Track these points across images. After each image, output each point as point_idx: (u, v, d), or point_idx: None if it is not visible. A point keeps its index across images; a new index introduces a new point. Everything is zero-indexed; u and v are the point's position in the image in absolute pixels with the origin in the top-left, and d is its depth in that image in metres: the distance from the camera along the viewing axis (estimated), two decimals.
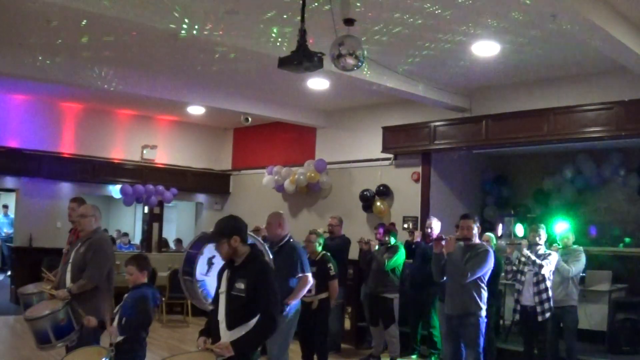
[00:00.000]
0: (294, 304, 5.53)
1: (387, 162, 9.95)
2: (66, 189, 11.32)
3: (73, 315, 4.63)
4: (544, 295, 6.10)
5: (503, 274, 6.81)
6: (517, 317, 6.49)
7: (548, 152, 9.77)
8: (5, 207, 15.59)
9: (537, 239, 6.29)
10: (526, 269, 6.23)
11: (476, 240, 5.57)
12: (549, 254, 6.20)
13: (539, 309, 6.10)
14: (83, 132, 11.53)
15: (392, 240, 7.56)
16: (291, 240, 5.70)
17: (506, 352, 7.31)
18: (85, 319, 4.39)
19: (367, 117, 10.40)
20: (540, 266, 6.06)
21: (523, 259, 6.29)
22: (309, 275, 5.63)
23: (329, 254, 6.58)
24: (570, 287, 6.42)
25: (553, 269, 6.18)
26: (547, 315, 6.11)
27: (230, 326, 3.45)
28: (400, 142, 9.40)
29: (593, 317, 7.52)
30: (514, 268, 6.41)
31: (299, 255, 5.58)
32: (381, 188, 9.83)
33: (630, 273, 8.12)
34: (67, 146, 11.38)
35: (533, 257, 6.14)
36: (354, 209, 10.23)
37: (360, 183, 10.22)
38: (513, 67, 7.71)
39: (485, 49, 6.94)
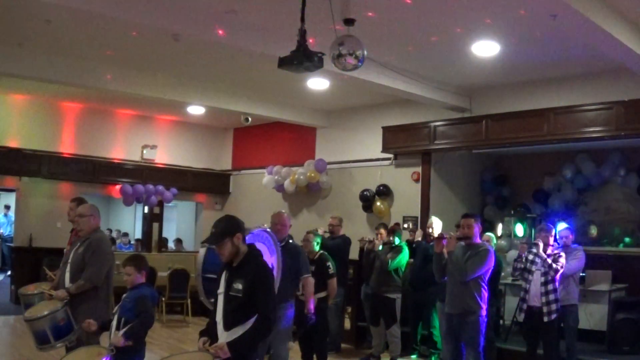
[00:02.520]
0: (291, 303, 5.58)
1: (387, 162, 9.95)
2: (66, 189, 11.32)
3: (72, 315, 4.63)
4: (552, 296, 6.02)
5: (510, 271, 6.75)
6: (523, 316, 6.35)
7: (548, 152, 9.75)
8: (7, 207, 15.58)
9: (550, 239, 6.21)
10: (534, 268, 6.16)
11: (477, 239, 5.57)
12: (559, 255, 6.11)
13: (545, 309, 6.02)
14: (83, 132, 11.53)
15: (397, 240, 7.55)
16: (291, 240, 5.74)
17: (506, 352, 7.30)
18: (85, 322, 4.36)
19: (367, 117, 10.40)
20: (550, 266, 6.01)
21: (530, 257, 6.19)
22: (310, 275, 5.74)
23: (326, 253, 6.58)
24: (571, 286, 6.39)
25: (563, 269, 6.09)
26: (554, 316, 6.02)
27: (227, 327, 3.43)
28: (400, 142, 9.40)
29: (593, 317, 7.51)
30: (521, 266, 6.31)
31: (304, 257, 5.71)
32: (381, 188, 9.83)
33: (630, 273, 8.11)
34: (67, 146, 11.38)
35: (544, 256, 6.06)
36: (354, 209, 10.23)
37: (360, 183, 10.22)
38: (513, 67, 7.70)
39: (485, 49, 6.94)
